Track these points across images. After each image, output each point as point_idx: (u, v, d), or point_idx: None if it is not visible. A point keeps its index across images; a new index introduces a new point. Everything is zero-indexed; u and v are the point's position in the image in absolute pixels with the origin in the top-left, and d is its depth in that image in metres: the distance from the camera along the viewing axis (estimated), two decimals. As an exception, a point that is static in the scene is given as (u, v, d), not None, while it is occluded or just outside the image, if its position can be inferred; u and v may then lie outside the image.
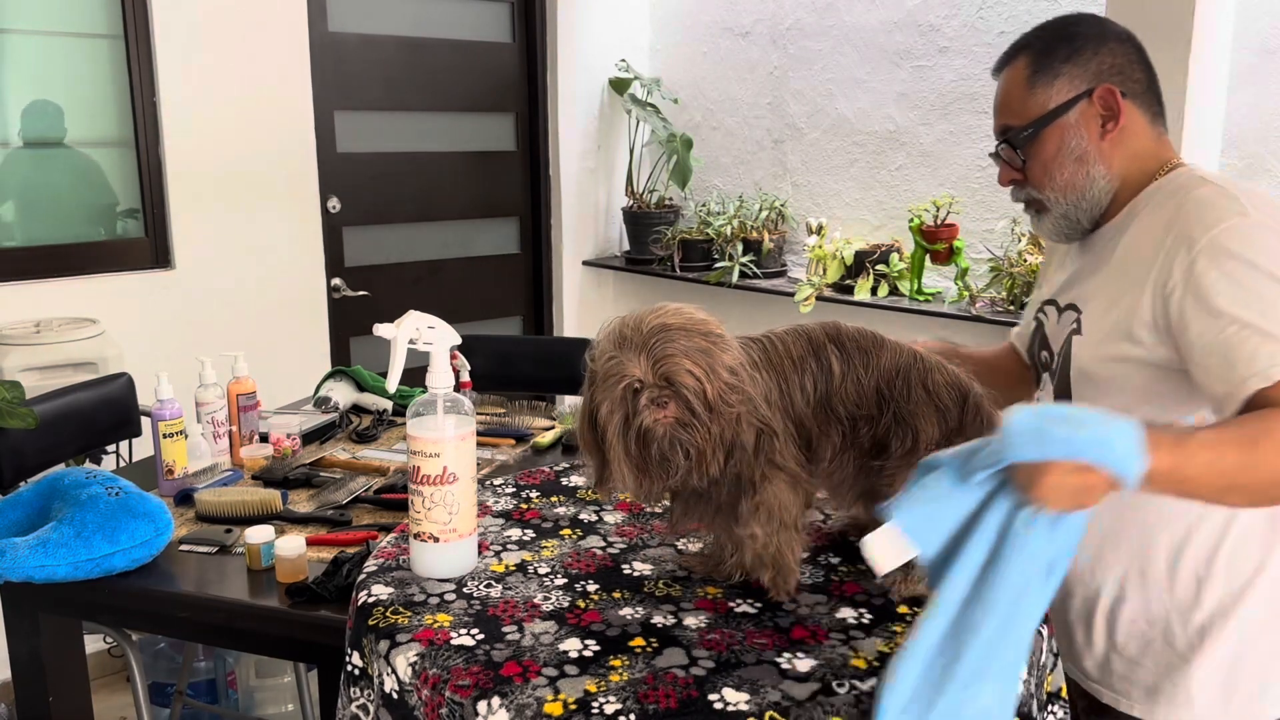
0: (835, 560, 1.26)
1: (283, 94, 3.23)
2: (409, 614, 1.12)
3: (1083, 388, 1.37)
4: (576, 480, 1.54)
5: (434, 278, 3.76)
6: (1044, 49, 1.39)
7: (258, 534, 1.57)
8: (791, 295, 3.27)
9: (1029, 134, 1.39)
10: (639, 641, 1.06)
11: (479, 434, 2.13)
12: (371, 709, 1.10)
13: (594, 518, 1.40)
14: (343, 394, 2.36)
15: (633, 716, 0.92)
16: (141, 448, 2.55)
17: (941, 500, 0.97)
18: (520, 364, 2.90)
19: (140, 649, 2.59)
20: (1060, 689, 1.19)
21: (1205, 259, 1.20)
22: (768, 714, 0.92)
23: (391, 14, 3.51)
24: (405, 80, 3.56)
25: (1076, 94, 1.37)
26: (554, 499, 1.47)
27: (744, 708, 0.93)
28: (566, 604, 1.14)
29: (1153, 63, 1.38)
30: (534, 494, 1.50)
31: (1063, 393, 1.40)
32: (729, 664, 1.01)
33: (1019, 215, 3.05)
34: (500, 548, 1.30)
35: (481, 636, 1.06)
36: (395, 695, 1.04)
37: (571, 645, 1.05)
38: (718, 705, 0.94)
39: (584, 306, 4.05)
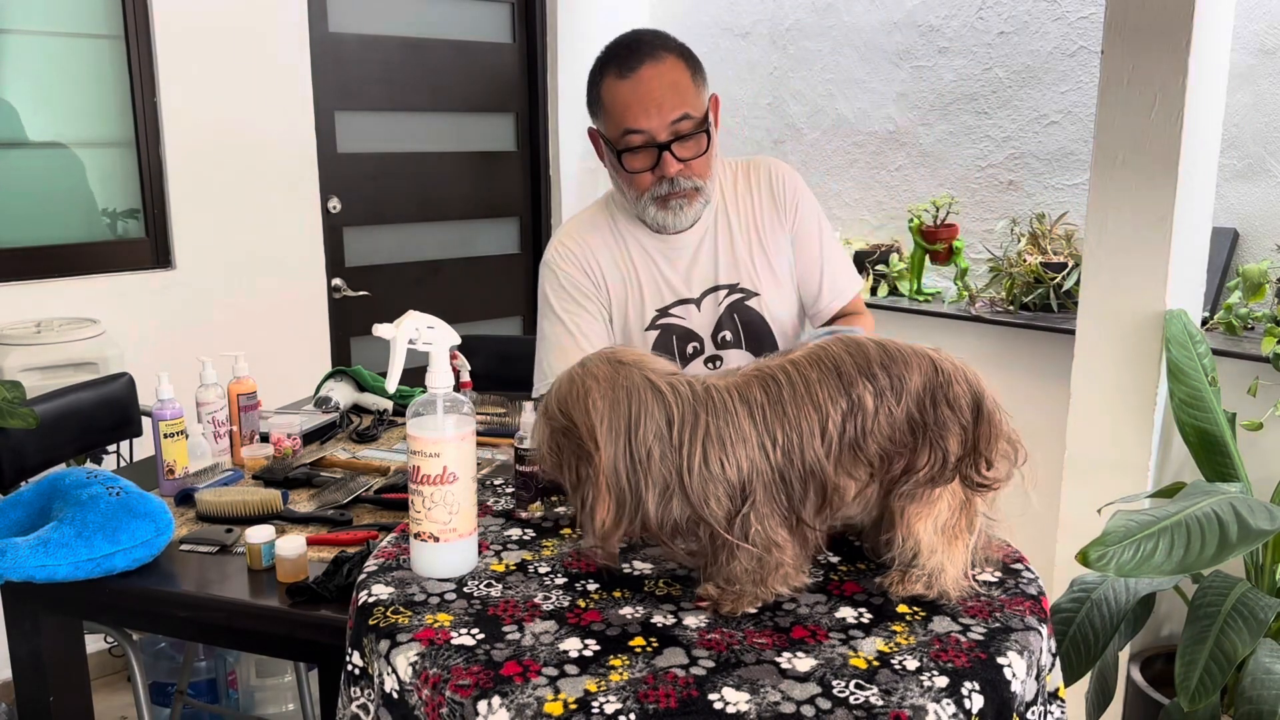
0: (835, 560, 1.26)
1: (283, 94, 3.23)
2: (409, 614, 1.12)
3: (788, 337, 1.77)
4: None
5: (434, 278, 3.77)
6: (685, 54, 1.65)
7: (258, 534, 1.58)
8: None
9: (708, 125, 1.63)
10: (639, 641, 1.06)
11: (479, 434, 2.13)
12: (372, 709, 1.10)
13: (594, 518, 1.40)
14: (343, 394, 2.36)
15: (633, 716, 0.92)
16: (142, 448, 2.55)
17: None
18: (520, 364, 2.88)
19: (141, 649, 2.59)
20: (1059, 688, 1.19)
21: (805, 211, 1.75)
22: None
23: (392, 14, 3.51)
24: (405, 80, 3.56)
25: (707, 93, 1.66)
26: (554, 498, 1.47)
27: (744, 708, 0.93)
28: (566, 603, 1.14)
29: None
30: (534, 494, 1.50)
31: (769, 351, 1.72)
32: (729, 664, 1.01)
33: (1019, 215, 3.06)
34: (500, 547, 1.30)
35: (481, 636, 1.07)
36: (396, 695, 1.04)
37: (571, 645, 1.05)
38: (718, 705, 0.94)
39: (584, 306, 4.05)
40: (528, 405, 1.57)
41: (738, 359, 1.76)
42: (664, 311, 1.75)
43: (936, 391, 1.12)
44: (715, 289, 1.75)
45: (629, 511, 1.10)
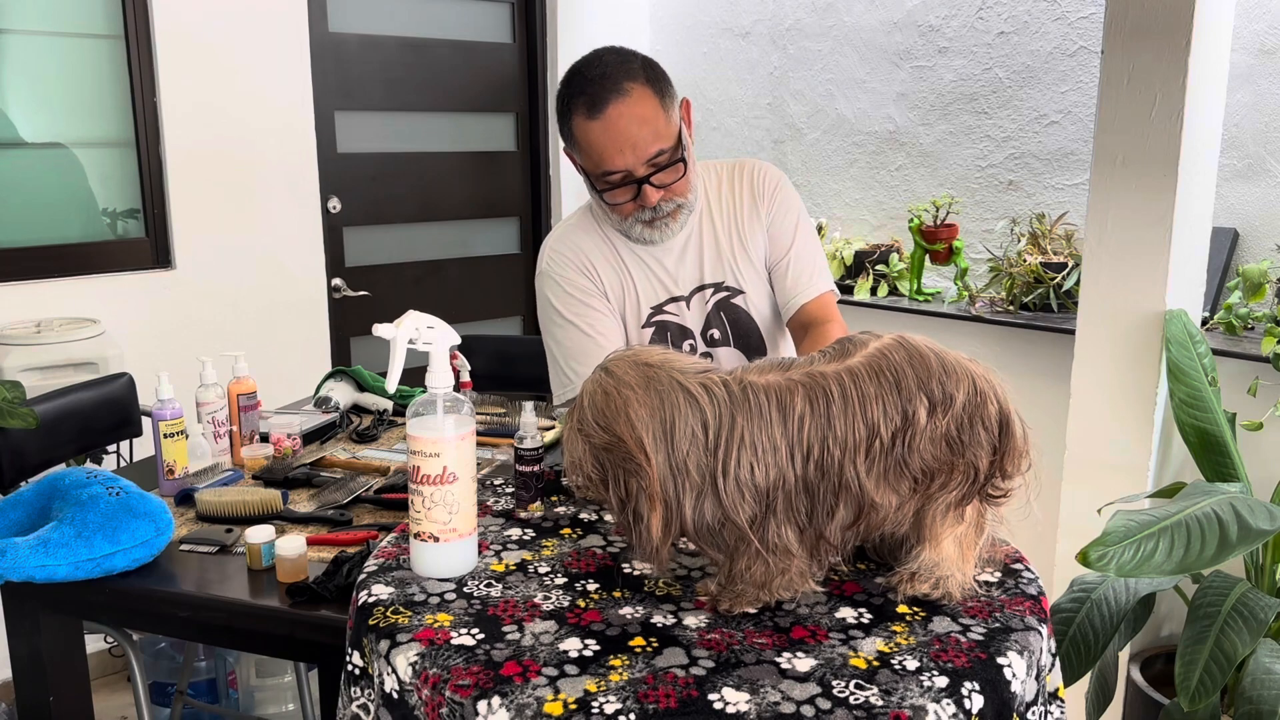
0: (835, 560, 1.26)
1: (283, 94, 3.23)
2: (409, 614, 1.12)
3: (773, 333, 1.79)
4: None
5: (434, 278, 3.77)
6: (651, 77, 1.61)
7: (258, 534, 1.58)
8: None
9: (684, 151, 1.63)
10: (639, 641, 1.06)
11: (479, 434, 2.13)
12: (372, 709, 1.10)
13: (594, 517, 1.40)
14: (343, 394, 2.36)
15: (633, 716, 0.92)
16: (142, 448, 2.55)
17: None
18: (520, 364, 2.90)
19: (141, 649, 2.59)
20: (1058, 689, 1.19)
21: (781, 210, 1.77)
22: None
23: (392, 14, 3.51)
24: (405, 80, 3.56)
25: (677, 108, 1.65)
26: (554, 498, 1.47)
27: (744, 708, 0.93)
28: (566, 603, 1.14)
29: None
30: (534, 494, 1.50)
31: (756, 349, 1.78)
32: (729, 664, 1.01)
33: (1019, 215, 3.06)
34: (500, 547, 1.30)
35: (481, 636, 1.07)
36: (395, 695, 1.04)
37: (571, 645, 1.05)
38: (718, 705, 0.94)
39: (584, 306, 4.05)
40: (528, 405, 1.57)
41: (728, 357, 1.77)
42: (658, 309, 1.77)
43: (975, 411, 1.11)
44: (702, 288, 1.77)
45: (674, 518, 1.08)
